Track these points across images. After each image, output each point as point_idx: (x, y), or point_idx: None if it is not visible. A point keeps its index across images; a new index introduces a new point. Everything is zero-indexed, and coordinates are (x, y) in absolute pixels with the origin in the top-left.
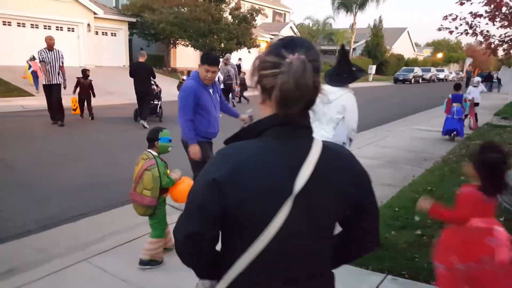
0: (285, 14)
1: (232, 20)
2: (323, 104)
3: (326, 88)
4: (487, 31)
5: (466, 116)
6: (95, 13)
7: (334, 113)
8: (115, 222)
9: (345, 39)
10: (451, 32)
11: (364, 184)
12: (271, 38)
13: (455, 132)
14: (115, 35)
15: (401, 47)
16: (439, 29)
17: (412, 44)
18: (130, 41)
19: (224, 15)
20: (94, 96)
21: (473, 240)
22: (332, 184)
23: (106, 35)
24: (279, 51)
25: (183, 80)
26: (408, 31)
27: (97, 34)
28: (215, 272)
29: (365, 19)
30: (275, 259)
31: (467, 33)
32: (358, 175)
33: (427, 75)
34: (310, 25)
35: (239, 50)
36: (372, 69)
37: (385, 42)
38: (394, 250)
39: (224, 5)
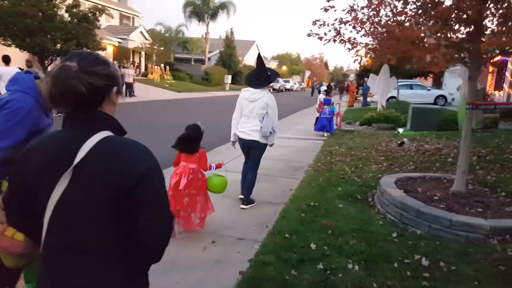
0: (133, 17)
1: (70, 18)
2: (249, 102)
3: (250, 89)
4: (354, 39)
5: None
6: None
7: (259, 109)
8: None
9: (200, 48)
10: (320, 38)
11: (131, 174)
12: (119, 42)
13: (326, 129)
14: None
15: (251, 59)
16: (309, 35)
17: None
18: None
19: (60, 12)
20: None
21: (174, 173)
22: (102, 169)
23: None
24: (61, 62)
25: None
26: (257, 44)
27: None
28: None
29: (218, 29)
30: (57, 230)
31: (335, 40)
32: (123, 164)
33: (276, 86)
34: (162, 31)
35: None
36: (228, 79)
37: (237, 53)
38: None
39: (59, 1)
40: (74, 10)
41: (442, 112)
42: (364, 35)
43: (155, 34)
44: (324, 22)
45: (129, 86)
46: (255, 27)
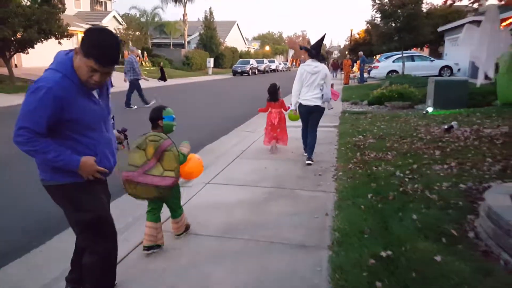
0: (105, 2)
1: (29, 2)
2: (311, 74)
3: (312, 64)
4: None
5: None
6: None
7: (320, 80)
8: None
9: (178, 31)
10: None
11: None
12: None
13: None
14: None
15: (233, 40)
16: None
17: (243, 37)
18: None
19: None
20: None
21: (269, 115)
22: None
23: None
24: None
25: None
26: (238, 24)
27: None
28: None
29: (195, 11)
30: None
31: None
32: None
33: (262, 67)
34: (137, 15)
35: (44, 40)
36: (211, 62)
37: (218, 35)
38: None
39: None
40: None
41: (469, 85)
42: None
43: (130, 19)
44: None
45: None
46: (235, 6)
